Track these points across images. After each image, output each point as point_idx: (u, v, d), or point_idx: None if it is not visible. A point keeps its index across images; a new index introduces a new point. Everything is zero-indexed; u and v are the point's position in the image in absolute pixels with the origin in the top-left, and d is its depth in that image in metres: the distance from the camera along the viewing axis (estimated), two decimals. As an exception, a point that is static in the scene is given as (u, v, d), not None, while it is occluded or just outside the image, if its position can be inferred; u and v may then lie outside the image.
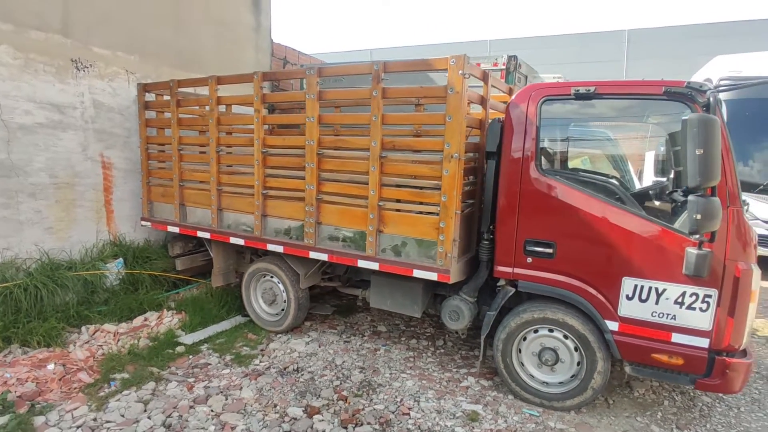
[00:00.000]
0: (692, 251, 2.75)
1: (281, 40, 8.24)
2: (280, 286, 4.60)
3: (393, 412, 3.35)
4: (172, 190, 5.04)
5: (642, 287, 3.06)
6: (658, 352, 3.06)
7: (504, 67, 5.74)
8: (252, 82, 4.22)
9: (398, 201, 3.71)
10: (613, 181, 4.01)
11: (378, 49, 25.29)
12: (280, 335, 4.65)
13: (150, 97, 5.34)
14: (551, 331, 3.40)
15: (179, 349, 4.23)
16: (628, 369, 3.23)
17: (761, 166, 7.02)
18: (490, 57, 5.84)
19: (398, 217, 3.64)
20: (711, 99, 2.76)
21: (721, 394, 3.69)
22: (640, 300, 3.07)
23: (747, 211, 3.10)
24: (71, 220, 5.08)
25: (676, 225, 2.99)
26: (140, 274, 5.24)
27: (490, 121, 3.62)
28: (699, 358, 2.97)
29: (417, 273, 3.57)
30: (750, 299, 2.86)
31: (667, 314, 3.01)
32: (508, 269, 3.48)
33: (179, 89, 4.92)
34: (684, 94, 2.89)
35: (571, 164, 4.81)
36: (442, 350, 4.45)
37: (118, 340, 4.31)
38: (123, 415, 3.23)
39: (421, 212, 3.56)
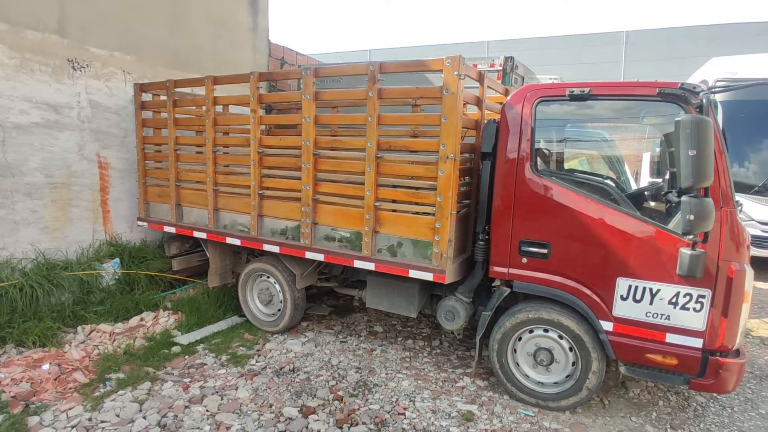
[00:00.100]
0: (686, 252, 2.77)
1: (279, 40, 8.25)
2: (277, 286, 4.61)
3: (388, 412, 3.36)
4: (168, 190, 5.04)
5: (636, 287, 3.07)
6: (652, 352, 3.07)
7: (501, 68, 5.76)
8: (248, 83, 4.22)
9: (394, 201, 3.71)
10: (609, 182, 4.02)
11: (376, 50, 25.31)
12: (276, 335, 4.65)
13: (146, 97, 5.34)
14: (546, 331, 3.41)
15: (175, 349, 4.23)
16: (622, 369, 3.24)
17: (757, 167, 7.05)
18: (487, 58, 5.86)
19: (394, 218, 3.65)
20: (704, 100, 2.77)
21: (715, 394, 3.71)
22: (635, 300, 3.08)
23: (741, 212, 3.11)
24: (67, 220, 5.08)
25: (670, 226, 3.00)
26: (136, 274, 5.24)
27: (485, 121, 3.63)
28: (693, 358, 2.98)
29: (413, 273, 3.57)
30: (743, 299, 2.87)
31: (661, 314, 3.02)
32: (504, 269, 3.49)
33: (176, 89, 4.92)
34: (678, 96, 2.91)
35: (566, 165, 4.83)
36: (438, 350, 4.45)
37: (114, 340, 4.30)
38: (118, 415, 3.23)
39: (416, 213, 3.56)
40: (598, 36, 22.11)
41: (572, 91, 3.17)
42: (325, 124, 4.53)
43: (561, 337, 3.36)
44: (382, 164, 3.64)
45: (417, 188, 3.58)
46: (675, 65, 17.77)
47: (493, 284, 3.65)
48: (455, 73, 3.20)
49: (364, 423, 3.21)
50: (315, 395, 3.55)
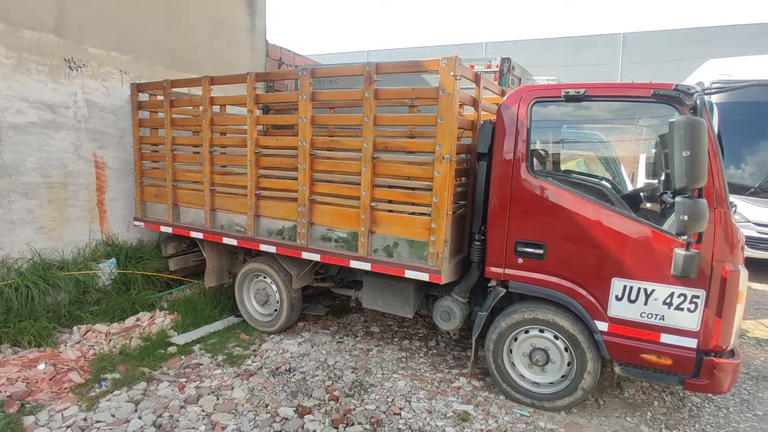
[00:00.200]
0: (680, 252, 2.78)
1: (277, 41, 8.25)
2: (273, 286, 4.61)
3: (384, 412, 3.36)
4: (165, 190, 5.03)
5: (631, 288, 3.08)
6: (647, 352, 3.08)
7: (498, 69, 5.77)
8: (245, 83, 4.23)
9: (390, 202, 3.72)
10: (604, 182, 4.03)
11: (374, 51, 25.30)
12: (272, 335, 4.65)
13: (143, 97, 5.34)
14: (542, 331, 3.41)
15: (171, 349, 4.22)
16: (617, 369, 3.25)
17: (753, 168, 7.07)
18: (484, 59, 5.88)
19: (390, 218, 3.66)
20: (698, 102, 2.79)
21: (710, 395, 3.72)
22: (629, 301, 3.09)
23: (735, 213, 3.13)
24: (64, 220, 5.07)
25: (665, 226, 3.02)
26: (133, 274, 5.23)
27: (482, 122, 3.64)
28: (687, 359, 2.99)
29: (409, 273, 3.58)
30: (737, 300, 2.88)
31: (656, 315, 3.03)
32: (499, 270, 3.50)
33: (173, 89, 4.93)
34: (672, 97, 2.92)
35: (562, 166, 4.84)
36: (435, 351, 4.46)
37: (110, 341, 4.29)
38: (113, 415, 3.22)
39: (413, 213, 3.57)
40: (595, 38, 22.14)
41: (568, 92, 3.19)
42: (322, 125, 4.55)
43: (556, 337, 3.37)
44: (378, 164, 3.65)
45: (413, 188, 3.59)
46: (672, 67, 17.80)
47: (489, 284, 3.65)
48: (451, 73, 3.21)
49: (359, 423, 3.21)
50: (311, 395, 3.55)
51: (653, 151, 3.90)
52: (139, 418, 3.20)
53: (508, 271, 3.46)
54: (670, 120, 2.67)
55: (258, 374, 3.85)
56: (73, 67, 5.03)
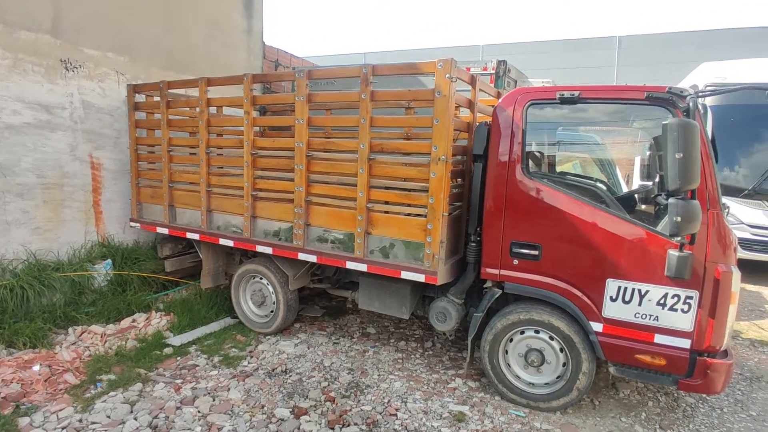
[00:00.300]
0: (673, 253, 2.80)
1: (274, 42, 8.27)
2: (269, 287, 4.61)
3: (380, 413, 3.37)
4: (161, 192, 5.03)
5: (625, 289, 3.10)
6: (641, 352, 3.10)
7: (494, 71, 5.81)
8: (242, 84, 4.24)
9: (386, 203, 3.73)
10: (599, 184, 4.06)
11: (372, 53, 25.39)
12: (269, 337, 4.65)
13: (140, 98, 5.33)
14: (537, 332, 3.43)
15: (167, 350, 4.22)
16: (612, 370, 3.27)
17: (746, 170, 7.13)
18: (480, 61, 5.91)
19: (386, 219, 3.67)
20: (691, 104, 2.82)
21: (704, 395, 3.74)
22: (624, 301, 3.12)
23: (728, 214, 3.15)
24: (59, 221, 5.06)
25: (659, 228, 3.04)
26: (129, 276, 5.22)
27: (477, 124, 3.66)
28: (681, 359, 3.01)
29: (405, 274, 3.59)
30: (730, 301, 2.90)
31: (650, 315, 3.06)
32: (495, 271, 3.51)
33: (169, 90, 4.93)
34: (665, 99, 2.95)
35: (557, 168, 4.87)
36: (431, 352, 4.47)
37: (105, 342, 4.28)
38: (109, 416, 3.22)
39: (409, 214, 3.58)
40: (591, 41, 22.28)
41: (562, 94, 3.21)
42: (319, 126, 4.55)
43: (552, 338, 3.39)
44: (374, 166, 3.66)
45: (409, 190, 3.60)
46: (667, 70, 17.94)
47: (485, 285, 3.67)
48: (447, 76, 3.23)
49: (355, 424, 3.21)
50: (307, 396, 3.55)
51: (647, 153, 3.93)
52: (135, 419, 3.19)
53: (503, 272, 3.48)
54: (663, 122, 2.70)
55: (254, 375, 3.85)
56: (70, 68, 5.02)
